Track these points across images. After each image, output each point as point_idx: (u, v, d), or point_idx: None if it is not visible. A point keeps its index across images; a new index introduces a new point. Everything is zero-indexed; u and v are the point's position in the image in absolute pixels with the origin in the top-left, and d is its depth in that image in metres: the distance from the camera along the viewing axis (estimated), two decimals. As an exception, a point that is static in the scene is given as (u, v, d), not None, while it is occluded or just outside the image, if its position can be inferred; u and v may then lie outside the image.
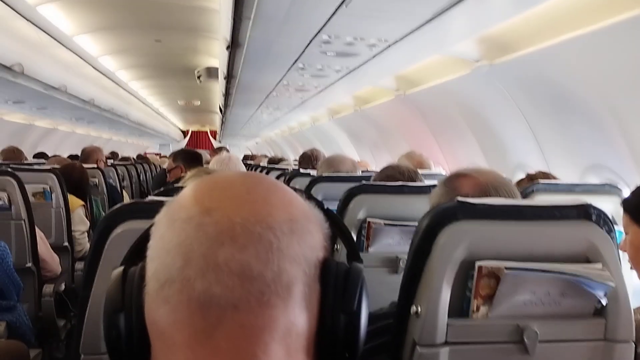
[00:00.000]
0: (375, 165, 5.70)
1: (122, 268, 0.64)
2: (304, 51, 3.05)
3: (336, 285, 0.61)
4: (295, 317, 0.58)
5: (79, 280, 3.76)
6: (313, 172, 3.32)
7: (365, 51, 3.00)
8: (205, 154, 7.89)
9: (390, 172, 2.20)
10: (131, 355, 0.61)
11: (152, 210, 0.64)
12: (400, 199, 1.95)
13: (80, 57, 6.91)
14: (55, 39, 5.85)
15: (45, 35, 5.53)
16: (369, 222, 1.90)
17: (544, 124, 3.28)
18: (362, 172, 3.39)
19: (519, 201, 1.28)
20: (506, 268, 1.02)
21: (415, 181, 2.17)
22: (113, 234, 1.13)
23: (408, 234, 1.85)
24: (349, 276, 0.62)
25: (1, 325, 2.44)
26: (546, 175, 2.42)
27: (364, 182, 2.12)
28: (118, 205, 1.18)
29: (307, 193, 0.68)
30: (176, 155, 4.38)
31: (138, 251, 0.64)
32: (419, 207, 1.89)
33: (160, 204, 0.63)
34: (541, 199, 2.09)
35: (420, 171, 2.70)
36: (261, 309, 0.56)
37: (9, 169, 3.26)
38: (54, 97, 6.19)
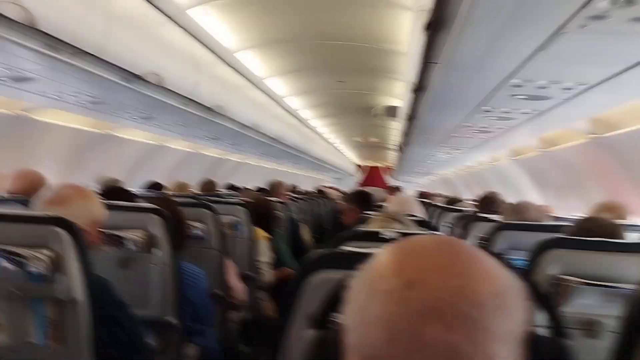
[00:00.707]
0: (562, 211, 5.31)
1: (317, 332, 0.64)
2: (491, 95, 2.97)
3: None
4: None
5: (261, 309, 3.94)
6: (492, 217, 3.19)
7: (559, 94, 2.83)
8: (379, 192, 8.00)
9: (588, 226, 2.04)
10: None
11: (347, 260, 0.65)
12: (601, 256, 1.79)
13: (270, 98, 7.43)
14: (249, 82, 6.36)
15: (241, 78, 6.04)
16: (563, 279, 1.77)
17: None
18: (554, 218, 3.19)
19: None
20: None
21: (617, 237, 1.98)
22: (309, 281, 1.16)
23: (611, 297, 1.69)
24: (561, 356, 0.57)
25: (194, 348, 2.61)
26: None
27: (558, 234, 1.99)
28: (315, 253, 1.22)
29: (507, 261, 0.64)
30: (350, 197, 4.47)
31: (328, 312, 0.64)
32: (622, 266, 1.73)
33: (354, 255, 0.63)
34: None
35: (620, 222, 2.47)
36: None
37: (206, 202, 3.53)
38: (245, 134, 6.69)
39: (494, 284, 0.57)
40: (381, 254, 0.62)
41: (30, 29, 2.31)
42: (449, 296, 0.55)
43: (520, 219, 2.79)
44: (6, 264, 1.80)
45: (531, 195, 7.17)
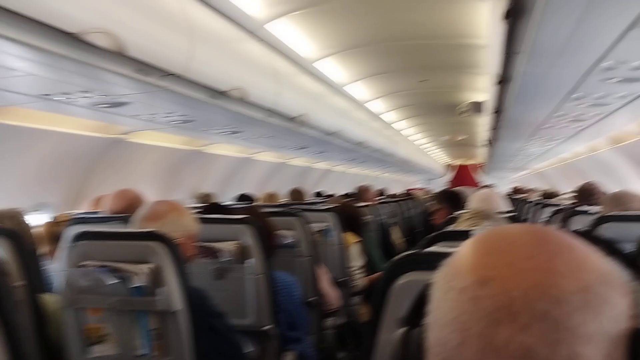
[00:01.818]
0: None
1: (404, 330, 0.62)
2: (582, 81, 2.81)
3: None
4: None
5: (356, 314, 3.94)
6: (593, 209, 3.02)
7: (659, 73, 2.65)
8: (470, 191, 7.79)
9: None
10: None
11: (434, 261, 0.63)
12: None
13: (353, 103, 7.45)
14: (331, 89, 6.41)
15: (323, 86, 6.09)
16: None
17: None
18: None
19: None
20: None
21: None
22: (396, 284, 1.14)
23: None
24: None
25: (292, 354, 2.65)
26: None
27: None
28: (401, 255, 1.20)
29: (610, 246, 0.58)
30: (439, 197, 4.38)
31: (418, 310, 0.62)
32: None
33: (442, 255, 0.61)
34: None
35: None
36: None
37: (296, 210, 3.58)
38: (330, 141, 6.73)
39: (581, 278, 0.51)
40: (463, 248, 0.59)
41: (121, 56, 2.44)
42: (523, 293, 0.50)
43: (623, 210, 2.62)
44: (112, 279, 1.91)
45: (635, 184, 6.75)
